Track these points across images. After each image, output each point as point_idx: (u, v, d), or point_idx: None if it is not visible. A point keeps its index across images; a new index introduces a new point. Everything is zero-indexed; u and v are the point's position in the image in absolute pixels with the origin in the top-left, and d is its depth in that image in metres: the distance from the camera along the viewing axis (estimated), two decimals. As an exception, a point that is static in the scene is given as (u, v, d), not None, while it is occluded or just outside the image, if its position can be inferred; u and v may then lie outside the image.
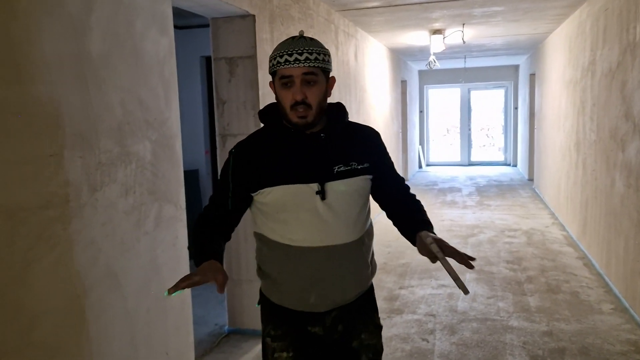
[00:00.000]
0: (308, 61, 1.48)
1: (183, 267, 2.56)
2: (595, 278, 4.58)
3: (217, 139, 3.64)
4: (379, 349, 1.71)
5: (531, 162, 10.35)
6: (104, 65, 1.98)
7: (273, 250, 1.60)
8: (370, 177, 1.62)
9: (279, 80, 1.51)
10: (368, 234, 1.67)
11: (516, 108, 12.89)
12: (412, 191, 1.78)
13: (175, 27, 5.74)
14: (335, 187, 1.55)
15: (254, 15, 3.43)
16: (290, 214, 1.55)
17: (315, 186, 1.53)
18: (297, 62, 1.48)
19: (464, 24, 6.52)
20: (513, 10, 5.74)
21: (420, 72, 13.54)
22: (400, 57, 10.11)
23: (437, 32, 6.95)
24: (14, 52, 1.58)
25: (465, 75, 12.61)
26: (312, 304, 1.59)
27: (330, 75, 1.59)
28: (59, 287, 1.77)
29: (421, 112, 13.81)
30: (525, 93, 10.91)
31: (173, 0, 2.92)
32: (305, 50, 1.49)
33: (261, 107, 3.53)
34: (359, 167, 1.59)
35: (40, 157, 1.67)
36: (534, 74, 9.82)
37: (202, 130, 5.83)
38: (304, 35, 1.55)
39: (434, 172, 12.73)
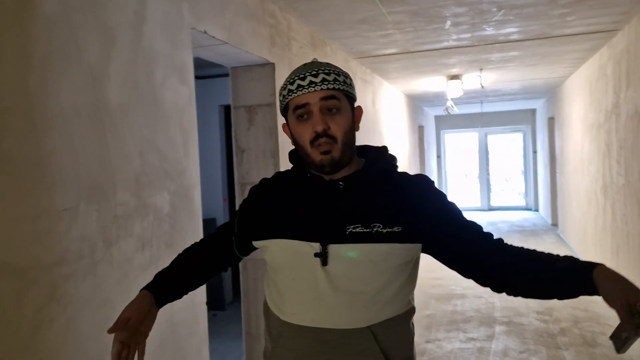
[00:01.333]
0: (325, 82, 1.18)
1: (201, 324, 2.43)
2: (635, 330, 4.31)
3: (236, 187, 3.58)
4: None
5: (554, 206, 10.11)
6: (123, 114, 1.93)
7: (267, 319, 1.30)
8: (402, 245, 1.20)
9: (293, 113, 1.21)
10: (390, 324, 1.21)
11: (535, 152, 12.74)
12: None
13: (196, 77, 5.82)
14: (342, 252, 1.18)
15: (273, 64, 3.42)
16: (285, 277, 1.24)
17: (316, 246, 1.19)
18: (312, 85, 1.17)
19: (481, 69, 6.51)
20: (530, 55, 5.71)
21: (437, 117, 13.54)
22: (417, 103, 10.13)
23: (454, 77, 6.95)
24: (29, 103, 1.53)
25: (482, 119, 12.57)
26: None
27: (356, 105, 1.28)
28: (70, 352, 1.65)
29: (438, 157, 13.73)
30: (544, 137, 10.80)
31: (194, 50, 2.91)
32: (321, 71, 1.19)
33: (280, 155, 3.51)
34: (384, 230, 1.18)
35: (53, 212, 1.59)
36: (552, 118, 9.73)
37: (220, 178, 5.80)
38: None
39: (453, 218, 12.48)
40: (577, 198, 7.25)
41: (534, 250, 1.25)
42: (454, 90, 7.08)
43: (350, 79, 1.26)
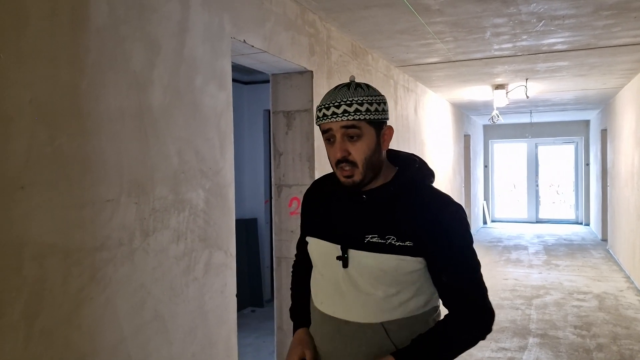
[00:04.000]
0: (346, 114, 1.29)
1: (231, 314, 2.58)
2: (676, 350, 4.17)
3: (273, 189, 3.73)
4: None
5: (604, 221, 9.77)
6: (164, 117, 2.11)
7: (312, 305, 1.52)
8: (414, 259, 1.31)
9: (323, 135, 1.37)
10: (405, 323, 1.34)
11: (587, 164, 12.34)
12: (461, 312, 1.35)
13: (242, 82, 6.06)
14: (360, 259, 1.33)
15: (312, 72, 3.56)
16: (317, 271, 1.46)
17: (337, 249, 1.36)
18: (334, 116, 1.30)
19: (527, 79, 6.43)
20: (579, 65, 5.61)
21: (485, 127, 13.35)
22: (462, 112, 10.05)
23: (499, 87, 6.89)
24: (80, 106, 1.72)
25: (532, 130, 12.30)
26: None
27: (387, 125, 1.39)
28: (107, 328, 1.83)
29: (486, 166, 13.51)
30: (597, 149, 10.46)
31: (236, 58, 3.10)
32: (344, 102, 1.30)
33: (316, 159, 3.65)
34: (397, 243, 1.30)
35: (97, 202, 1.78)
36: (605, 130, 9.43)
37: (263, 180, 6.00)
38: (355, 81, 1.37)
39: (499, 229, 12.27)
40: (626, 213, 7.02)
41: (443, 332, 1.35)
42: (499, 99, 7.02)
43: (381, 104, 1.36)
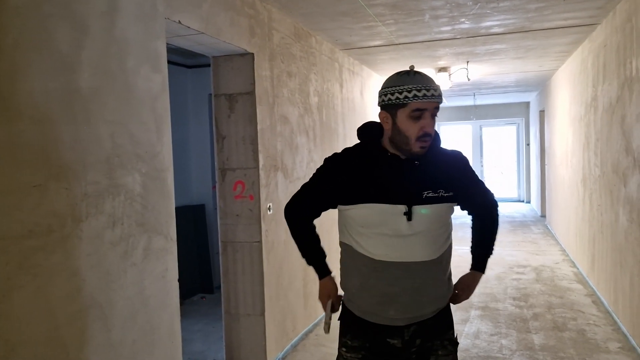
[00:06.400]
0: (439, 97, 1.62)
1: (173, 299, 2.57)
2: (604, 316, 4.45)
3: (217, 173, 3.70)
4: None
5: (543, 198, 10.24)
6: (94, 100, 2.05)
7: (355, 260, 1.72)
8: (453, 204, 1.74)
9: (411, 112, 1.61)
10: (446, 255, 1.74)
11: (528, 144, 12.85)
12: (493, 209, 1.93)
13: (186, 66, 5.92)
14: (419, 210, 1.66)
15: (252, 54, 3.53)
16: (375, 229, 1.67)
17: (403, 208, 1.64)
18: (433, 97, 1.60)
19: (468, 62, 6.60)
20: (515, 48, 5.80)
21: (431, 109, 13.60)
22: (409, 95, 10.20)
23: (442, 69, 7.04)
24: (0, 89, 1.65)
25: (476, 112, 12.66)
26: (391, 317, 1.69)
27: None
28: (39, 317, 1.79)
29: (433, 148, 13.81)
30: (536, 130, 10.90)
31: (172, 39, 3.03)
32: (432, 86, 1.62)
33: (259, 142, 3.64)
34: (445, 194, 1.69)
35: (23, 188, 1.72)
36: (543, 111, 9.83)
37: (210, 165, 5.92)
38: (416, 70, 1.67)
39: (446, 209, 12.60)
40: (562, 190, 7.37)
41: (486, 234, 1.94)
42: (442, 82, 7.18)
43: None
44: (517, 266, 6.39)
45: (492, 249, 1.93)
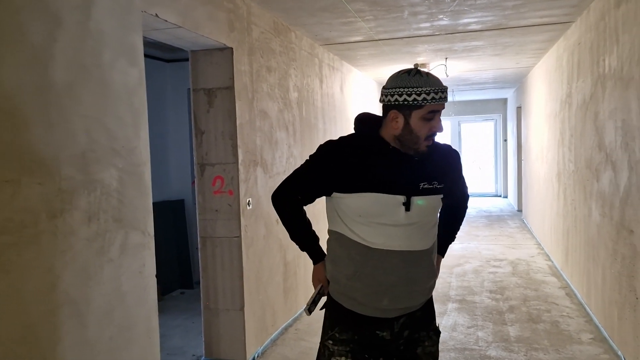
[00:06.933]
0: (447, 99, 1.69)
1: (150, 295, 2.55)
2: (577, 307, 4.56)
3: (196, 168, 3.68)
4: (437, 355, 1.86)
5: (520, 193, 10.40)
6: (69, 94, 2.02)
7: (349, 249, 1.74)
8: (442, 195, 1.80)
9: (426, 114, 1.65)
10: (434, 245, 1.83)
11: (505, 140, 13.03)
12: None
13: (164, 60, 5.85)
14: (418, 201, 1.71)
15: (231, 48, 3.51)
16: (373, 219, 1.70)
17: (402, 198, 1.69)
18: (446, 99, 1.68)
19: (446, 58, 6.66)
20: (493, 45, 5.87)
21: (411, 105, 13.68)
22: (389, 90, 10.25)
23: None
24: (-29, 81, 1.62)
25: (455, 108, 12.78)
26: (384, 308, 1.73)
27: None
28: (12, 314, 1.76)
29: (412, 144, 13.90)
30: (513, 125, 11.06)
31: (149, 33, 3.00)
32: (446, 89, 1.68)
33: (238, 137, 3.62)
34: (439, 186, 1.76)
35: (-4, 183, 1.69)
36: (520, 107, 9.97)
37: (189, 161, 5.87)
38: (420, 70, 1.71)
39: (425, 204, 12.72)
40: (537, 185, 7.50)
41: (453, 225, 2.05)
42: (421, 78, 7.22)
43: None
44: (493, 260, 6.49)
45: (455, 237, 2.08)
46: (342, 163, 1.72)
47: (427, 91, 1.62)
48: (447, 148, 1.89)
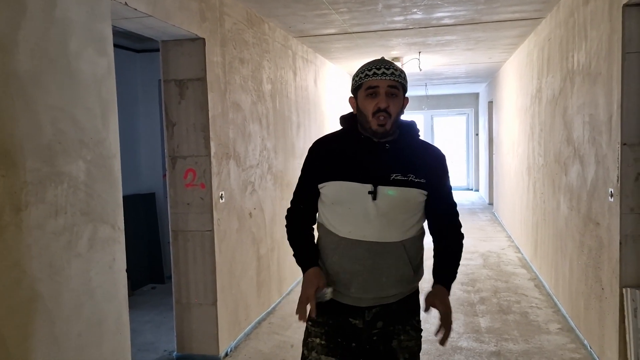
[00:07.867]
0: (393, 75, 1.70)
1: (120, 290, 2.50)
2: (545, 299, 4.66)
3: (167, 160, 3.62)
4: (416, 351, 1.83)
5: (491, 186, 10.57)
6: (33, 83, 1.95)
7: (326, 237, 1.81)
8: (424, 192, 1.75)
9: (365, 91, 1.71)
10: (413, 241, 1.78)
11: (477, 134, 13.21)
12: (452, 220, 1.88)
13: (135, 50, 5.73)
14: (386, 191, 1.71)
15: (203, 39, 3.46)
16: (343, 207, 1.74)
17: (369, 187, 1.70)
18: (384, 75, 1.69)
19: (420, 52, 6.70)
20: (466, 39, 5.93)
21: (385, 99, 13.75)
22: (363, 84, 10.26)
23: (395, 59, 7.11)
24: None
25: (428, 102, 12.89)
26: (353, 296, 1.76)
27: (406, 96, 1.80)
28: (-25, 310, 1.70)
29: (386, 137, 13.98)
30: (485, 120, 11.21)
31: (119, 22, 2.93)
32: (391, 67, 1.72)
33: (210, 129, 3.57)
34: (416, 180, 1.73)
35: (-44, 175, 1.63)
36: (491, 102, 10.11)
37: (160, 153, 5.78)
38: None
39: (398, 197, 12.82)
40: (508, 178, 7.63)
41: (453, 247, 1.86)
42: (395, 71, 7.25)
43: (405, 77, 1.77)
44: (465, 252, 6.53)
45: (456, 274, 1.87)
46: (320, 155, 1.82)
47: (364, 69, 1.73)
48: (434, 148, 1.88)
